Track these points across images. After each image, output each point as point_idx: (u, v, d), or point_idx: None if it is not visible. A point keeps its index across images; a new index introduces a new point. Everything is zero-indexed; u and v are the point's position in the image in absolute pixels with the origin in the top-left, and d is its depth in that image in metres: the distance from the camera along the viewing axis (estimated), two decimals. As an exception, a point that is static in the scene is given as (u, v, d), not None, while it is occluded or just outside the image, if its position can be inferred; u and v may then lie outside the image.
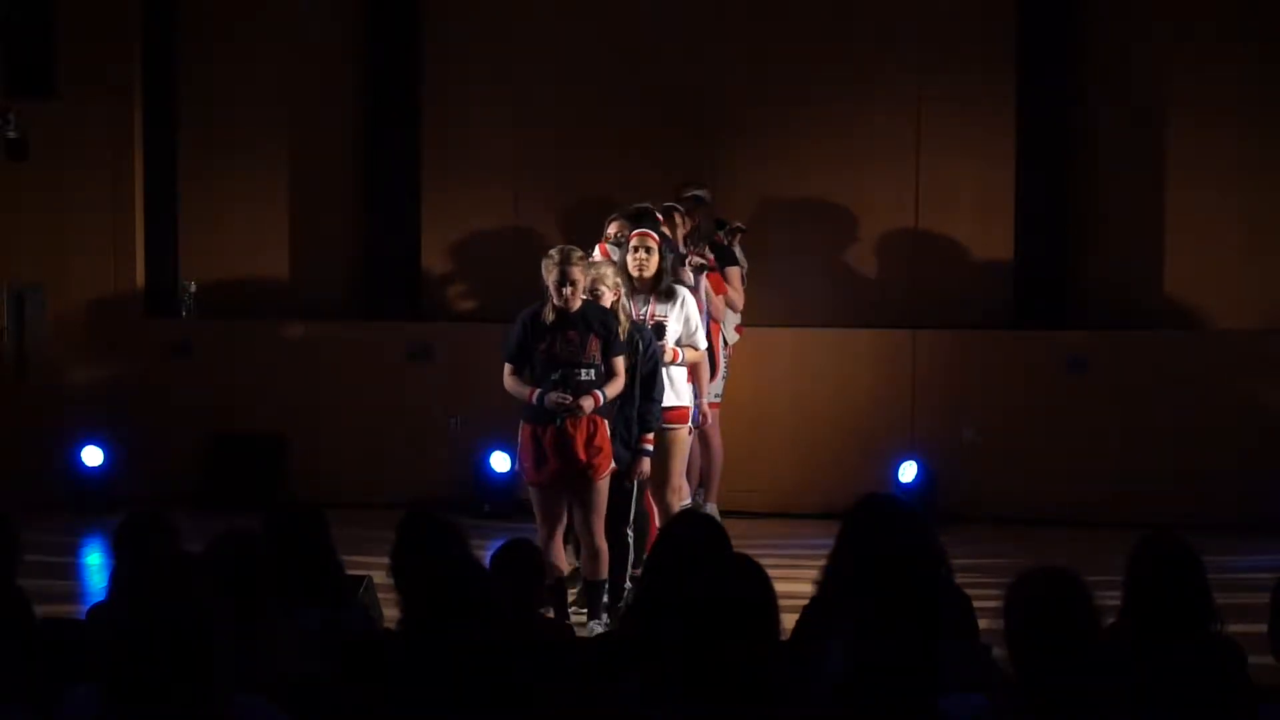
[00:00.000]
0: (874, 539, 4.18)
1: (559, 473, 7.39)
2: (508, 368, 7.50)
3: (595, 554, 7.42)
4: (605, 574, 7.45)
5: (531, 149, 11.32)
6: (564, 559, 7.65)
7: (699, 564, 4.11)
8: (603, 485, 7.42)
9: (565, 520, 7.54)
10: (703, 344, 8.15)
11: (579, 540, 7.64)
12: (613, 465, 7.47)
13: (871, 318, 10.93)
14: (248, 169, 11.57)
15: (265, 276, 11.57)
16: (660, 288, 7.96)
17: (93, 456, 10.97)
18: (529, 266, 10.97)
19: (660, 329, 7.88)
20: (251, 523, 4.76)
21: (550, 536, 7.46)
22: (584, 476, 7.37)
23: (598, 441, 7.37)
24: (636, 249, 7.94)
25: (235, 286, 11.58)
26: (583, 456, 7.35)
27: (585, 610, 7.47)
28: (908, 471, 10.37)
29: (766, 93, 11.12)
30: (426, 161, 11.45)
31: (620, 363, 7.45)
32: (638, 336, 7.57)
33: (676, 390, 7.94)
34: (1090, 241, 10.86)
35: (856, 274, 11.09)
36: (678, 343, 8.02)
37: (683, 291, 8.05)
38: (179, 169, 11.60)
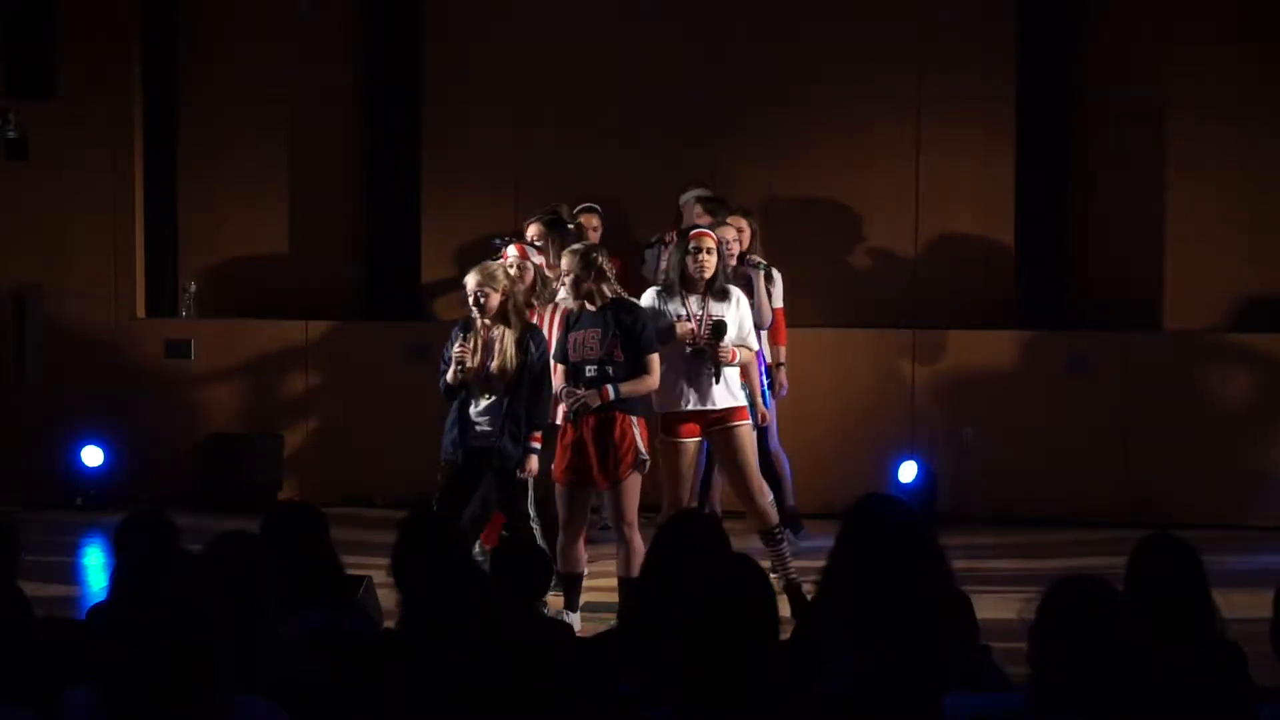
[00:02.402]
0: (874, 539, 4.17)
1: (575, 470, 7.46)
2: (559, 369, 7.61)
3: (628, 549, 7.43)
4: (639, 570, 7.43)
5: (531, 149, 11.32)
6: (582, 558, 7.68)
7: (698, 564, 4.11)
8: (629, 484, 7.42)
9: (586, 521, 7.62)
10: (754, 344, 8.00)
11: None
12: (643, 457, 7.43)
13: (871, 318, 10.93)
14: (248, 169, 11.57)
15: (265, 276, 11.57)
16: (715, 288, 7.80)
17: (93, 456, 10.97)
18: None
19: (721, 328, 7.72)
20: (251, 523, 4.76)
21: (568, 533, 7.54)
22: (603, 474, 7.41)
23: (615, 438, 7.39)
24: (698, 250, 7.75)
25: (235, 286, 11.58)
26: (594, 454, 7.39)
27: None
28: (908, 471, 10.36)
29: (767, 93, 11.11)
30: (426, 161, 11.45)
31: (650, 360, 7.46)
32: (529, 338, 7.64)
33: (732, 391, 7.78)
34: (1090, 241, 10.86)
35: (856, 274, 11.09)
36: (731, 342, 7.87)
37: (736, 292, 7.90)
38: (179, 169, 11.61)
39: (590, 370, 7.42)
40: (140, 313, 11.41)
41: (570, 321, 7.63)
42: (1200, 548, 4.58)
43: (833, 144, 11.04)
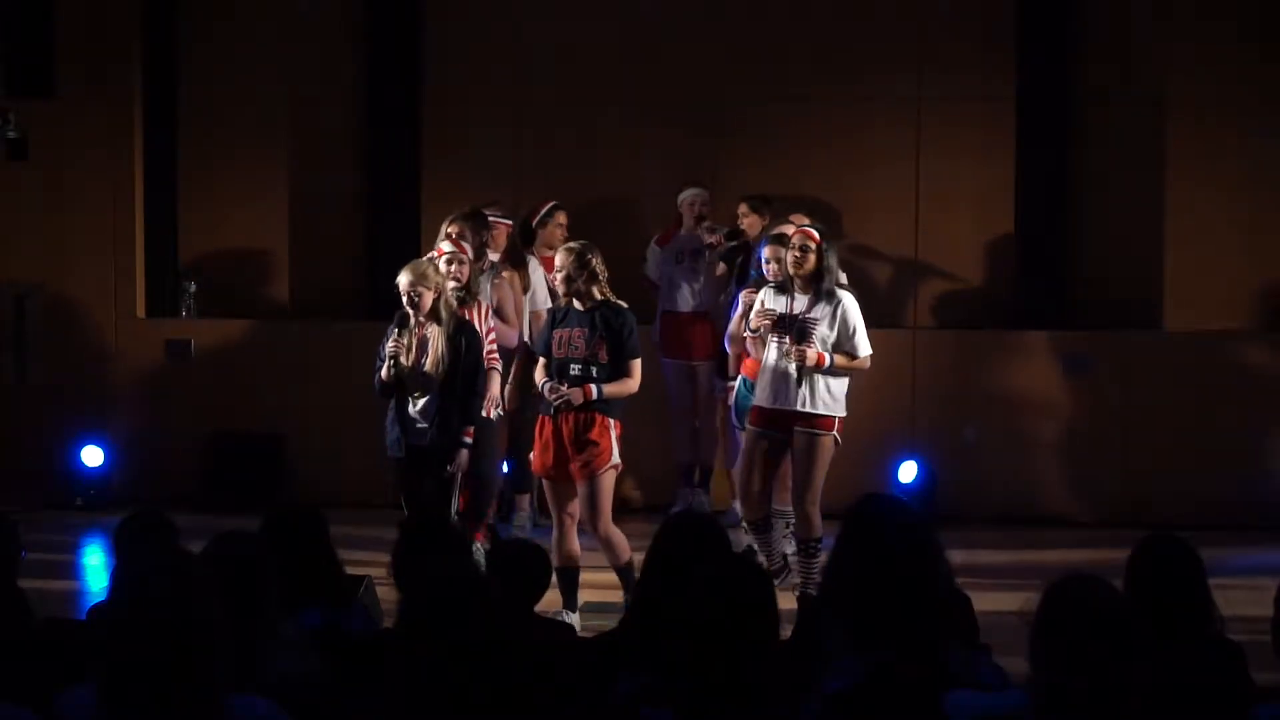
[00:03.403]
0: (874, 540, 4.17)
1: (554, 464, 7.59)
2: (540, 361, 7.76)
3: (607, 544, 7.58)
4: (627, 557, 7.53)
5: (531, 149, 11.32)
6: (577, 550, 7.74)
7: (698, 564, 4.10)
8: (603, 480, 7.51)
9: (577, 512, 7.68)
10: (863, 350, 7.87)
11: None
12: (614, 462, 7.53)
13: (872, 318, 10.91)
14: (248, 169, 11.57)
15: (265, 276, 11.57)
16: (821, 287, 7.85)
17: (93, 456, 10.97)
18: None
19: (805, 330, 7.77)
20: (251, 523, 4.76)
21: (560, 525, 7.65)
22: (576, 469, 7.51)
23: (592, 435, 7.48)
24: (794, 247, 7.87)
25: (235, 286, 11.57)
26: (570, 450, 7.49)
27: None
28: (908, 471, 10.36)
29: (766, 93, 11.12)
30: (426, 161, 11.45)
31: (632, 365, 7.57)
32: (460, 335, 7.76)
33: (830, 396, 7.83)
34: (1090, 241, 10.86)
35: (857, 274, 11.08)
36: (825, 346, 7.84)
37: (842, 295, 7.89)
38: (179, 169, 11.60)
39: (575, 369, 7.52)
40: (140, 313, 11.41)
41: (556, 317, 7.70)
42: (1200, 548, 4.58)
43: (833, 144, 11.04)
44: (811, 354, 7.68)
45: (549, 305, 9.69)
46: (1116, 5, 10.87)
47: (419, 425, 7.82)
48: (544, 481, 7.77)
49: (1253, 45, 10.63)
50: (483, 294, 8.70)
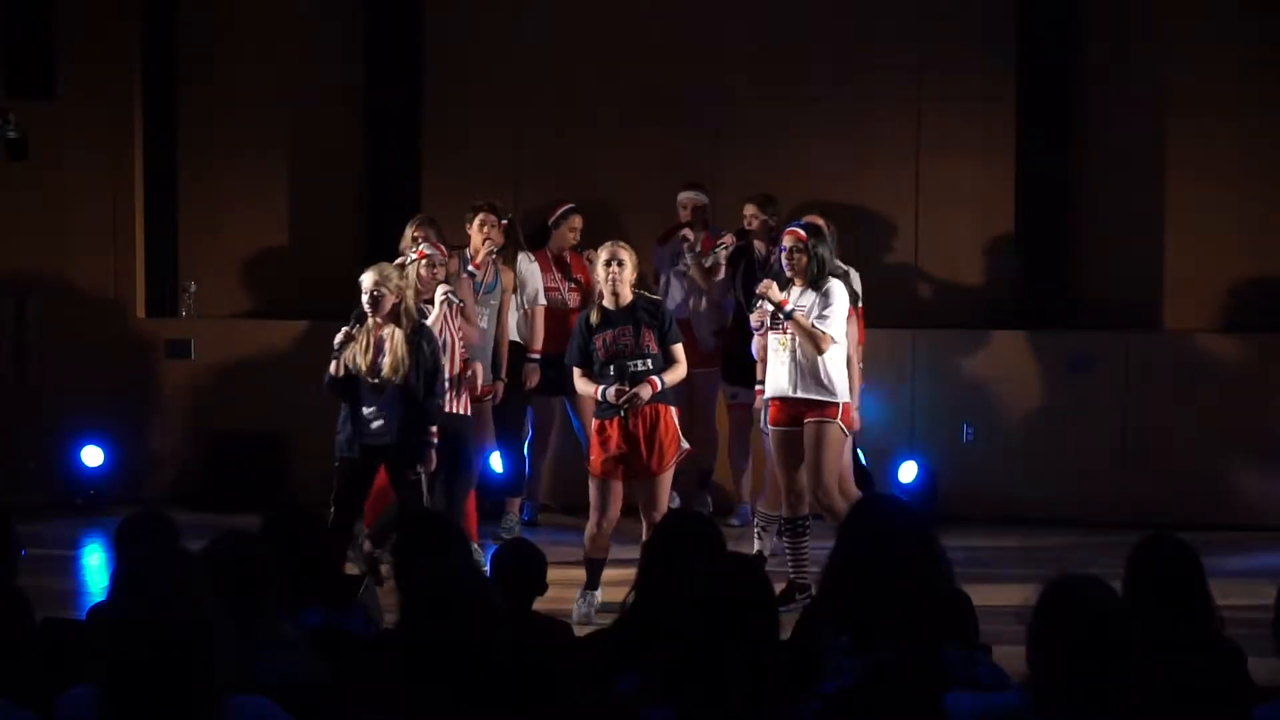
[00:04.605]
0: (874, 540, 4.17)
1: (623, 464, 7.73)
2: (577, 372, 7.87)
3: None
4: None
5: (531, 149, 11.33)
6: (608, 545, 7.89)
7: (696, 564, 4.10)
8: (665, 478, 7.77)
9: (619, 511, 7.85)
10: (828, 328, 7.88)
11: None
12: (679, 453, 7.77)
13: (872, 318, 10.92)
14: (248, 169, 11.57)
15: (265, 276, 11.57)
16: (809, 280, 7.96)
17: (93, 456, 10.97)
18: (529, 266, 11.02)
19: (776, 321, 7.92)
20: (251, 522, 4.76)
21: (600, 524, 7.80)
22: (648, 469, 7.72)
23: (660, 431, 7.70)
24: (784, 250, 8.03)
25: (235, 286, 11.58)
26: (645, 448, 7.68)
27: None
28: (908, 471, 10.36)
29: (766, 93, 11.12)
30: (426, 161, 11.45)
31: (679, 350, 7.82)
32: (419, 338, 7.89)
33: (819, 383, 7.94)
34: (1090, 241, 10.86)
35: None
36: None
37: (831, 283, 7.99)
38: (179, 169, 11.60)
39: (638, 365, 7.70)
40: (140, 313, 11.41)
41: (591, 326, 7.77)
42: (1200, 548, 4.58)
43: (832, 144, 11.04)
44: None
45: (542, 302, 9.80)
46: (1116, 5, 10.87)
47: (373, 426, 7.90)
48: (598, 481, 7.82)
49: (1252, 45, 10.64)
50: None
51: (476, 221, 9.33)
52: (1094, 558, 8.35)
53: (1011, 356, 10.63)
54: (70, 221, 11.26)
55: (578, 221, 10.14)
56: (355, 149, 11.51)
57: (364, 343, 7.87)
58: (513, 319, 9.77)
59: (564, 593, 7.56)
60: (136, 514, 5.34)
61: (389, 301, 7.87)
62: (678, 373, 7.80)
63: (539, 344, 9.88)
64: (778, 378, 7.98)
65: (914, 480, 10.33)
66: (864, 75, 11.05)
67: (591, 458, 7.83)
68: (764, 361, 8.25)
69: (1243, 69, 10.65)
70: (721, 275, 10.11)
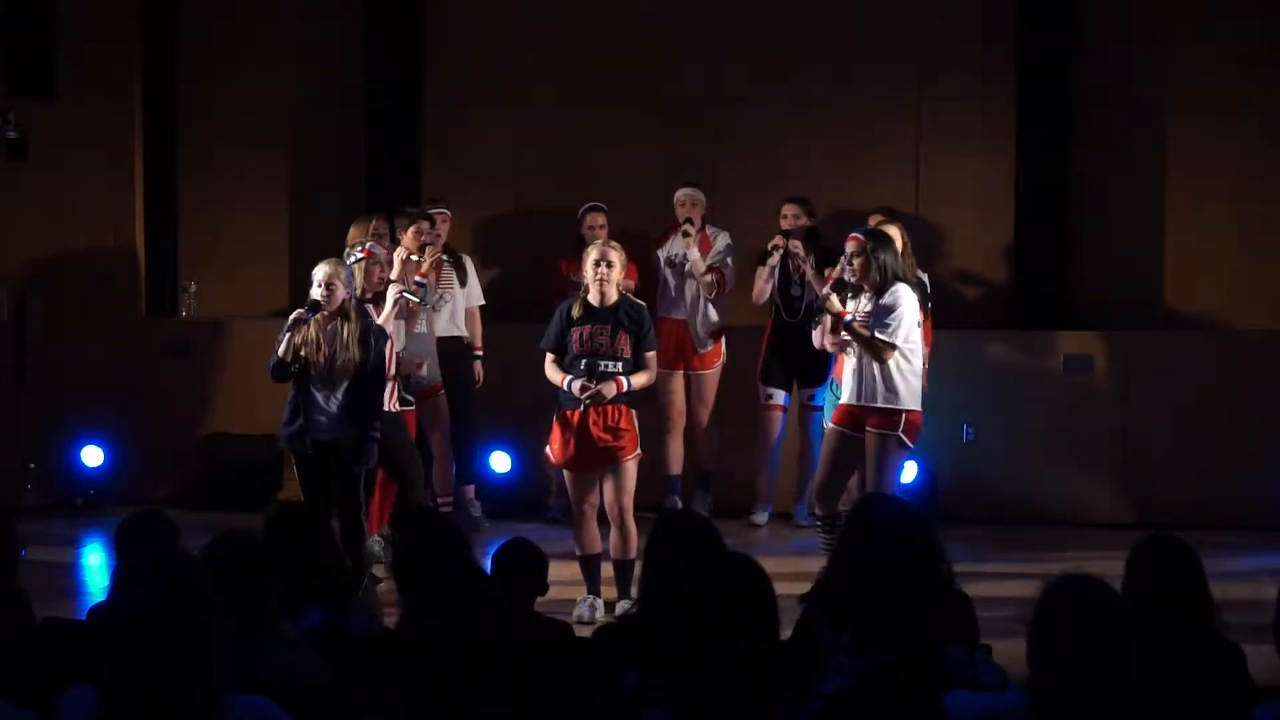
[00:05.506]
0: (875, 540, 4.17)
1: (583, 455, 7.77)
2: (548, 357, 7.90)
3: (624, 534, 7.79)
4: (634, 555, 7.69)
5: (531, 149, 11.32)
6: (597, 538, 7.92)
7: (696, 564, 4.11)
8: (629, 466, 7.77)
9: (597, 501, 7.90)
10: (890, 337, 7.90)
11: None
12: (638, 451, 7.81)
13: (871, 318, 10.93)
14: (248, 169, 11.57)
15: (265, 276, 11.57)
16: (873, 286, 7.96)
17: (93, 456, 10.97)
18: (528, 265, 11.04)
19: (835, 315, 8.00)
20: (251, 523, 4.76)
21: (582, 516, 7.87)
22: (606, 457, 7.74)
23: (622, 425, 7.73)
24: (846, 256, 8.03)
25: (235, 286, 11.57)
26: (598, 440, 7.70)
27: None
28: (908, 471, 10.34)
29: (766, 93, 11.12)
30: (426, 161, 11.45)
31: (651, 358, 7.88)
32: (369, 334, 7.94)
33: (884, 390, 8.03)
34: (1091, 241, 10.86)
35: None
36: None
37: (897, 287, 7.95)
38: (179, 169, 11.60)
39: (609, 365, 7.73)
40: (140, 313, 11.40)
41: (572, 316, 7.82)
42: (1200, 548, 4.58)
43: (832, 144, 11.04)
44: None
45: (481, 302, 10.00)
46: (1116, 5, 10.87)
47: (322, 419, 7.92)
48: (565, 473, 7.98)
49: (1253, 45, 10.63)
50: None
51: (412, 230, 9.34)
52: (1094, 557, 8.34)
53: (1011, 356, 10.62)
54: (70, 221, 11.26)
55: (595, 219, 10.20)
56: (355, 149, 11.51)
57: (315, 334, 7.88)
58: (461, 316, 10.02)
59: (564, 592, 7.56)
60: (136, 514, 5.34)
61: (340, 294, 7.90)
62: (645, 378, 7.83)
63: (480, 341, 10.17)
64: (847, 383, 8.09)
65: (914, 480, 10.32)
66: (864, 75, 11.05)
67: (554, 448, 7.88)
68: (823, 350, 8.36)
69: (1243, 69, 10.65)
70: (717, 277, 10.17)
